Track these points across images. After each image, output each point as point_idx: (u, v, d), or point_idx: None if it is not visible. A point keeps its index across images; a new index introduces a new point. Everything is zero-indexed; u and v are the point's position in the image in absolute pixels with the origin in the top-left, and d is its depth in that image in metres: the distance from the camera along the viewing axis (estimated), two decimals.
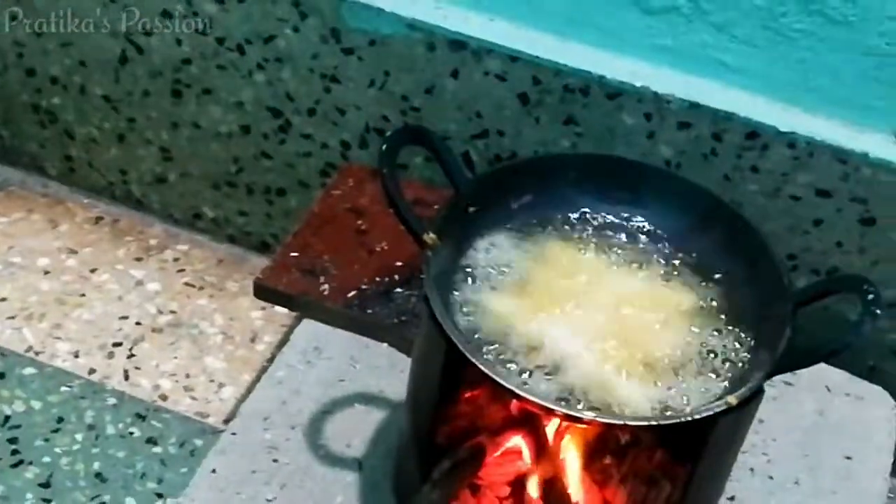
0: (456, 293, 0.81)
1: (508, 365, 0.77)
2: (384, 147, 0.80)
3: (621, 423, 0.73)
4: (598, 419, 0.73)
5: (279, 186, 1.31)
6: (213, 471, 0.93)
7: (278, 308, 1.29)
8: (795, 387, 1.07)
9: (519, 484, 0.91)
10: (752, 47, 1.05)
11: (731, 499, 0.97)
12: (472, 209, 0.84)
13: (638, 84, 1.08)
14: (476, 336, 0.79)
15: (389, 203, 0.79)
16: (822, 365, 1.09)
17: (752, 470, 0.99)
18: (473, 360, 0.74)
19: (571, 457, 0.89)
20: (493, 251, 0.84)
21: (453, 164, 0.84)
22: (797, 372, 1.07)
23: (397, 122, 1.19)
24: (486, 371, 0.73)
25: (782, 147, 1.06)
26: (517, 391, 0.73)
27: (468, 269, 0.83)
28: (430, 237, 0.80)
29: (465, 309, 0.80)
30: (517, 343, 0.79)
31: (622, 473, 0.89)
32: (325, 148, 1.25)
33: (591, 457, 0.89)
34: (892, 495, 1.05)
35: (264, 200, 1.33)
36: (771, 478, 0.99)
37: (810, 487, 0.98)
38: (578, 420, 0.74)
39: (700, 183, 0.88)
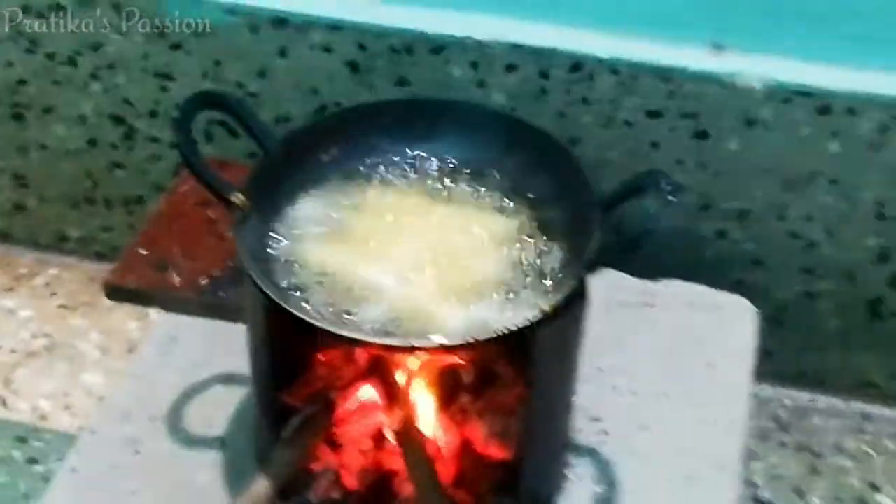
0: (272, 250, 0.82)
1: (328, 308, 0.77)
2: (178, 115, 0.80)
3: (434, 344, 0.74)
4: (411, 344, 0.74)
5: (136, 194, 1.31)
6: (73, 470, 0.93)
7: (154, 316, 1.28)
8: (655, 306, 1.08)
9: (381, 436, 0.91)
10: None
11: (597, 419, 0.97)
12: (282, 167, 0.84)
13: (459, 34, 1.10)
14: (295, 286, 0.79)
15: (189, 168, 0.80)
16: (681, 282, 1.11)
17: (614, 388, 1.00)
18: (287, 307, 0.74)
19: (426, 399, 0.89)
20: (307, 205, 0.85)
21: (257, 126, 0.85)
22: (655, 292, 1.10)
23: None
24: (298, 315, 0.73)
25: (607, 74, 1.08)
26: (326, 327, 0.73)
27: (283, 226, 0.83)
28: (237, 197, 0.80)
29: (282, 264, 0.81)
30: (336, 287, 0.79)
31: (479, 409, 0.89)
32: (175, 148, 1.25)
33: (447, 397, 0.90)
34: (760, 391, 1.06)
35: (125, 211, 1.33)
36: (635, 394, 1.00)
37: (675, 398, 0.99)
38: (390, 348, 0.75)
39: (501, 109, 0.89)
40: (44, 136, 1.28)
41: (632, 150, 1.12)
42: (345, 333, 0.73)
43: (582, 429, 0.95)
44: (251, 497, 0.83)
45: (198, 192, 1.16)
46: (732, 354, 1.03)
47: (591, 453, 0.94)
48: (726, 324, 1.06)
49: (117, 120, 1.25)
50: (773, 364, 1.20)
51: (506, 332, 0.74)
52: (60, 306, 1.33)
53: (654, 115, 1.10)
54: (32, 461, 1.14)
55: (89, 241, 1.37)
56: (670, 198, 0.74)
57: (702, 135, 1.10)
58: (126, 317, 1.30)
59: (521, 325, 0.74)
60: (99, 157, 1.28)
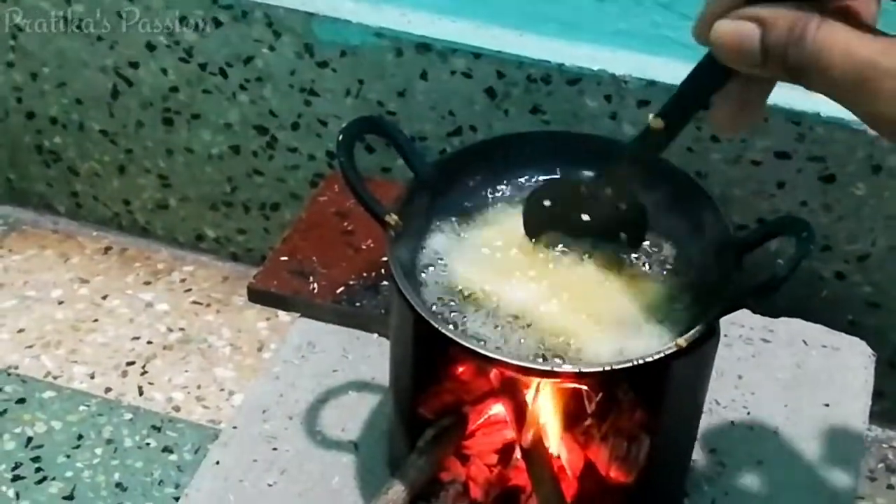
0: (421, 270, 0.86)
1: (471, 330, 0.82)
2: (340, 137, 0.85)
3: (574, 371, 0.77)
4: (546, 368, 0.78)
5: (273, 201, 1.37)
6: (217, 462, 0.98)
7: (283, 317, 1.35)
8: (773, 343, 1.11)
9: (506, 451, 0.96)
10: None
11: (714, 450, 1.00)
12: (431, 190, 0.89)
13: (595, 68, 1.14)
14: (442, 307, 0.83)
15: (350, 188, 0.84)
16: (800, 320, 1.14)
17: (732, 423, 1.03)
18: (434, 324, 0.79)
19: (552, 420, 0.93)
20: (454, 228, 0.89)
21: (410, 149, 0.89)
22: (774, 329, 1.12)
23: None
24: (443, 332, 0.78)
25: None
26: (469, 346, 0.77)
27: (432, 247, 0.88)
28: (391, 217, 0.85)
29: (430, 285, 0.85)
30: (480, 310, 0.83)
31: (603, 432, 0.93)
32: (312, 159, 1.31)
33: (572, 419, 0.94)
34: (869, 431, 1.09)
35: (261, 216, 1.39)
36: (751, 429, 1.03)
37: (790, 435, 1.02)
38: (531, 372, 0.79)
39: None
40: (190, 140, 1.35)
41: (757, 189, 1.15)
42: (489, 355, 0.78)
43: (699, 459, 0.99)
44: (385, 502, 0.87)
45: (335, 203, 1.22)
46: (848, 395, 1.06)
47: (709, 483, 0.97)
48: (843, 364, 1.09)
49: (261, 129, 1.31)
50: (884, 406, 1.22)
51: (642, 363, 0.78)
52: (194, 302, 1.40)
53: (782, 156, 1.12)
54: (167, 450, 1.21)
55: (224, 242, 1.44)
56: (810, 247, 0.77)
57: (828, 178, 1.12)
58: (256, 316, 1.37)
59: (657, 358, 0.78)
60: (240, 164, 1.35)
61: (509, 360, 0.79)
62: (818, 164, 1.11)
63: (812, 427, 1.03)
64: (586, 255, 0.86)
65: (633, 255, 0.87)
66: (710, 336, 0.81)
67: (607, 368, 0.78)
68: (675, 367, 0.80)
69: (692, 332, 0.79)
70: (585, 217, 0.86)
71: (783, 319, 1.13)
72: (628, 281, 0.85)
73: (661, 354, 0.78)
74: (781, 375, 1.08)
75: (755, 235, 0.84)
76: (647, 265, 0.87)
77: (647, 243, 0.88)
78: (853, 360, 1.09)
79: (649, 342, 0.81)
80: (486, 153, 0.92)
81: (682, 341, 0.79)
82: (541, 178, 0.91)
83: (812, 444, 1.01)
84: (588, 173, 0.89)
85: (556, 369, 0.78)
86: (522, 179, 0.93)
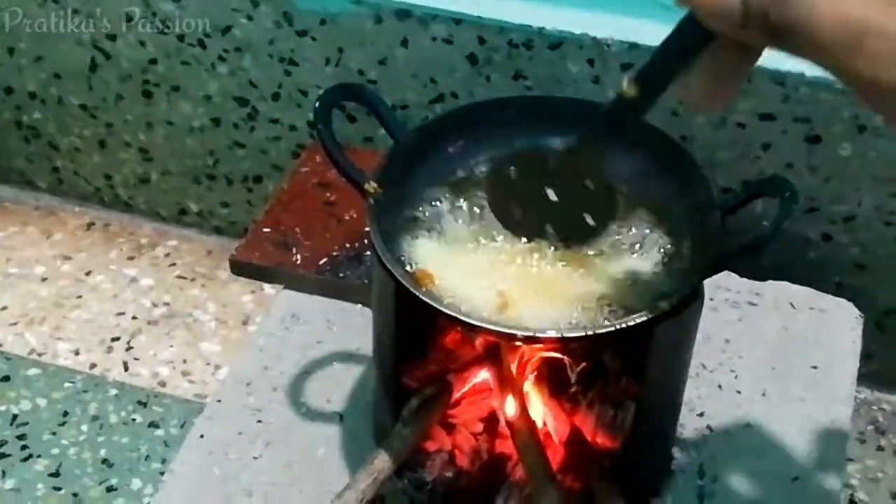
0: (401, 238, 0.85)
1: (454, 302, 0.80)
2: (318, 104, 0.83)
3: (556, 335, 0.77)
4: (528, 334, 0.76)
5: (255, 173, 1.36)
6: (202, 436, 0.98)
7: (268, 290, 1.35)
8: (760, 306, 1.10)
9: (492, 419, 0.95)
10: None
11: (701, 414, 1.00)
12: (411, 158, 0.88)
13: (577, 31, 1.12)
14: (415, 272, 0.82)
15: (328, 156, 0.83)
16: (787, 283, 1.13)
17: (719, 386, 1.02)
18: (415, 292, 0.78)
19: (538, 387, 0.93)
20: (433, 196, 0.88)
21: (389, 116, 0.88)
22: (761, 292, 1.12)
23: None
24: (424, 299, 0.77)
25: None
26: (451, 312, 0.76)
27: (412, 215, 0.87)
28: (371, 185, 0.84)
29: (408, 252, 0.84)
30: (452, 275, 0.82)
31: (588, 399, 0.93)
32: (294, 130, 1.30)
33: (557, 386, 0.93)
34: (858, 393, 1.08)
35: (243, 188, 1.38)
36: (739, 392, 1.02)
37: (778, 397, 1.01)
38: (511, 337, 0.78)
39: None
40: (170, 113, 1.34)
41: (743, 151, 1.14)
42: (471, 321, 0.76)
43: (686, 424, 0.98)
44: (371, 472, 0.87)
45: (317, 174, 1.21)
46: (836, 357, 1.05)
47: (695, 447, 0.97)
48: (831, 326, 1.08)
49: (241, 101, 1.30)
50: (872, 367, 1.22)
51: (625, 327, 0.77)
52: (179, 277, 1.39)
53: (766, 117, 1.11)
54: (153, 425, 1.20)
55: (208, 216, 1.43)
56: (794, 206, 0.76)
57: (814, 139, 1.11)
58: (241, 289, 1.36)
59: (640, 321, 0.77)
60: (221, 136, 1.34)
61: (491, 326, 0.78)
62: (803, 125, 1.10)
63: (800, 390, 1.02)
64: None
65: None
66: (693, 299, 0.80)
67: (590, 333, 0.77)
68: (659, 330, 0.79)
69: (676, 294, 0.78)
70: (550, 193, 0.80)
71: (770, 282, 1.12)
72: (610, 244, 0.84)
73: (645, 318, 0.77)
74: (769, 338, 1.07)
75: (738, 197, 0.83)
76: (631, 227, 0.85)
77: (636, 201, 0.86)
78: (841, 322, 1.09)
79: (631, 305, 0.80)
80: (467, 119, 0.91)
81: (665, 304, 0.78)
82: (527, 146, 0.90)
83: (800, 407, 1.00)
84: (558, 142, 0.86)
85: (538, 334, 0.77)
86: (504, 146, 0.91)
